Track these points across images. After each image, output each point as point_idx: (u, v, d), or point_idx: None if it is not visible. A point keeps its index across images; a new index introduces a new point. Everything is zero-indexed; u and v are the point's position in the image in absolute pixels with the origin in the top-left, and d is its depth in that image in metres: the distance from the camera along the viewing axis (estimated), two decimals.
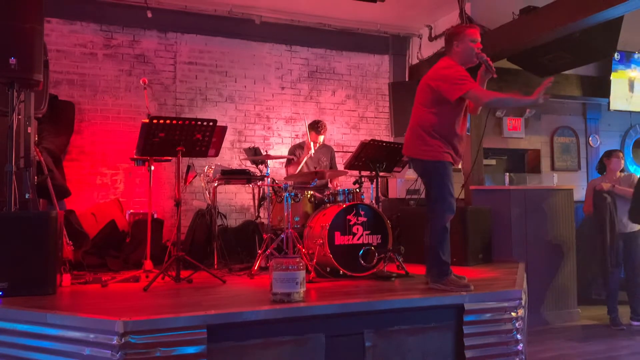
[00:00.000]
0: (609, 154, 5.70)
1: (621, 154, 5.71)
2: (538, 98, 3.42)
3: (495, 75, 3.73)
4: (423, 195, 5.80)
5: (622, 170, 5.68)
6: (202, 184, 5.74)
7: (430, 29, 6.98)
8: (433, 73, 3.74)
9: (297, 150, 5.84)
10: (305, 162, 5.71)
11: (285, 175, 5.65)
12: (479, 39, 3.76)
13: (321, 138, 5.75)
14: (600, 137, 7.98)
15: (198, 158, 5.54)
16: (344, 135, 7.22)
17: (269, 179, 4.97)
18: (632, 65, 7.40)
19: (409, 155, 3.85)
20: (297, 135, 6.86)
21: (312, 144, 5.66)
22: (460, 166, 6.34)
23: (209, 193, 5.44)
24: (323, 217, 4.38)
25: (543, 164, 7.68)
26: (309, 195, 4.86)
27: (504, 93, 3.69)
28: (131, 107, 6.22)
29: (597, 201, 5.48)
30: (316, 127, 5.75)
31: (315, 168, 5.70)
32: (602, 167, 5.71)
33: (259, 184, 5.38)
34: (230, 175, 5.25)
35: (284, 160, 5.90)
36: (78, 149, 5.97)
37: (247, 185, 6.08)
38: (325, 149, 5.98)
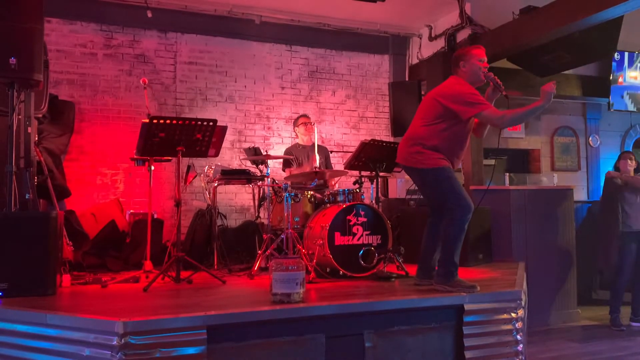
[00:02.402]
0: (620, 155, 5.73)
1: (632, 156, 5.67)
2: (547, 98, 3.45)
3: (504, 93, 3.72)
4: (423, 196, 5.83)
5: (638, 172, 5.65)
6: (202, 184, 5.74)
7: (430, 28, 6.97)
8: (444, 89, 3.74)
9: (293, 151, 5.84)
10: (301, 161, 5.73)
11: (285, 176, 5.66)
12: (486, 58, 3.79)
13: (311, 119, 5.95)
14: (601, 137, 7.98)
15: (198, 158, 5.53)
16: (344, 135, 7.22)
17: (269, 179, 4.97)
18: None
19: (405, 165, 3.80)
20: (297, 135, 6.85)
21: (306, 125, 5.82)
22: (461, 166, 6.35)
23: (209, 193, 5.43)
24: (323, 217, 4.38)
25: (543, 164, 7.68)
26: (309, 196, 4.86)
27: (512, 109, 3.64)
28: (131, 107, 6.22)
29: (608, 187, 5.46)
30: (300, 115, 6.04)
31: (315, 168, 5.70)
32: (617, 169, 5.70)
33: (259, 184, 5.38)
34: (230, 176, 5.25)
35: (284, 161, 5.90)
36: (78, 148, 5.97)
37: (247, 185, 6.08)
38: (320, 148, 5.99)
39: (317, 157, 5.79)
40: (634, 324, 5.35)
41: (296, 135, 6.11)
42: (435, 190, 3.72)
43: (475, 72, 3.74)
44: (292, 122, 6.20)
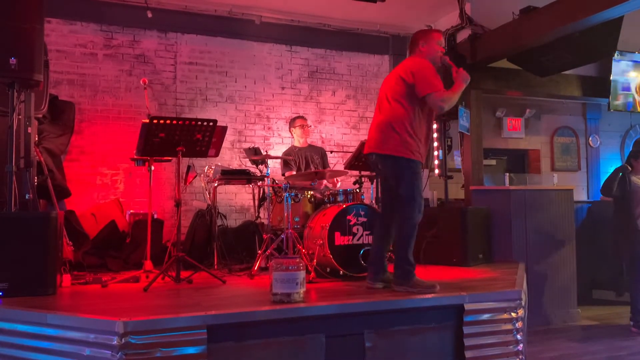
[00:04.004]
0: (637, 154, 5.57)
1: None
2: (465, 80, 3.58)
3: (455, 75, 3.67)
4: (423, 196, 5.84)
5: None
6: (202, 184, 5.74)
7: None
8: (408, 64, 3.70)
9: (290, 154, 5.83)
10: (298, 162, 5.72)
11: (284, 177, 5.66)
12: (443, 42, 3.88)
13: (308, 121, 5.92)
14: (601, 138, 7.97)
15: (198, 158, 5.53)
16: (344, 136, 7.22)
17: (269, 179, 4.97)
18: None
19: (378, 152, 3.67)
20: (292, 136, 6.85)
21: (302, 128, 5.80)
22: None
23: (209, 193, 5.43)
24: (323, 217, 4.38)
25: (543, 164, 7.68)
26: (309, 196, 4.86)
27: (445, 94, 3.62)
28: (131, 107, 6.22)
29: (621, 185, 5.38)
30: (296, 116, 6.01)
31: (315, 168, 5.70)
32: (630, 166, 5.53)
33: (259, 184, 5.38)
34: (230, 176, 5.25)
35: (283, 161, 5.89)
36: (78, 149, 5.97)
37: (247, 185, 6.08)
38: (316, 149, 5.99)
39: (315, 158, 5.80)
40: (633, 329, 5.29)
41: (292, 136, 6.09)
42: (400, 180, 3.62)
43: (433, 54, 3.75)
44: (288, 123, 6.17)
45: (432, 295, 3.42)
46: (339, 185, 5.63)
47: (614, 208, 5.56)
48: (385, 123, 3.65)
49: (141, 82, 4.76)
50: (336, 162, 6.70)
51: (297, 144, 5.90)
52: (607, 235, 5.89)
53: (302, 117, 6.00)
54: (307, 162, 5.76)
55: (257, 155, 5.25)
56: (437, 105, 3.59)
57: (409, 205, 3.59)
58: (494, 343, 3.40)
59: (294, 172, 5.59)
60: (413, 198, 3.58)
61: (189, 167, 5.41)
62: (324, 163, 5.92)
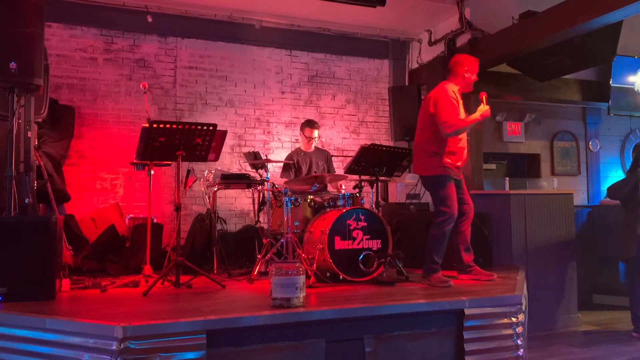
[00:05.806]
0: None
1: None
2: (483, 118, 4.02)
3: (484, 105, 4.10)
4: (423, 200, 5.87)
5: None
6: (202, 189, 5.74)
7: (430, 33, 6.98)
8: (432, 94, 4.15)
9: (294, 156, 5.81)
10: (301, 167, 5.70)
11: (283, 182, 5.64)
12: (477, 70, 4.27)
13: (315, 133, 5.79)
14: (601, 142, 7.97)
15: (198, 162, 5.53)
16: (344, 140, 7.22)
17: (268, 184, 4.96)
18: None
19: (417, 174, 4.40)
20: (297, 139, 6.84)
21: (309, 140, 5.76)
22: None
23: (209, 198, 5.43)
24: (323, 221, 4.37)
25: (543, 169, 7.67)
26: (308, 200, 4.85)
27: (463, 119, 4.13)
28: (131, 112, 6.22)
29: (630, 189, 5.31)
30: (309, 122, 5.87)
31: (315, 172, 5.69)
32: None
33: (258, 188, 5.37)
34: (230, 180, 5.25)
35: (284, 165, 5.88)
36: (78, 153, 5.96)
37: (247, 189, 6.08)
38: (321, 152, 5.98)
39: (320, 163, 5.78)
40: (634, 334, 5.26)
41: (300, 136, 6.04)
42: (431, 194, 4.26)
43: (471, 82, 4.24)
44: (300, 125, 6.04)
45: (431, 300, 3.42)
46: (343, 189, 5.60)
47: (624, 211, 5.47)
48: (414, 147, 4.32)
49: (141, 86, 4.75)
50: (336, 166, 6.69)
51: (303, 147, 5.87)
52: (608, 239, 5.88)
53: (312, 127, 5.76)
54: (310, 166, 5.75)
55: (256, 160, 5.25)
56: (443, 134, 4.07)
57: (438, 213, 4.13)
58: (494, 348, 3.40)
59: (291, 177, 5.58)
60: (439, 210, 4.11)
61: (188, 172, 5.41)
62: (329, 167, 5.91)
